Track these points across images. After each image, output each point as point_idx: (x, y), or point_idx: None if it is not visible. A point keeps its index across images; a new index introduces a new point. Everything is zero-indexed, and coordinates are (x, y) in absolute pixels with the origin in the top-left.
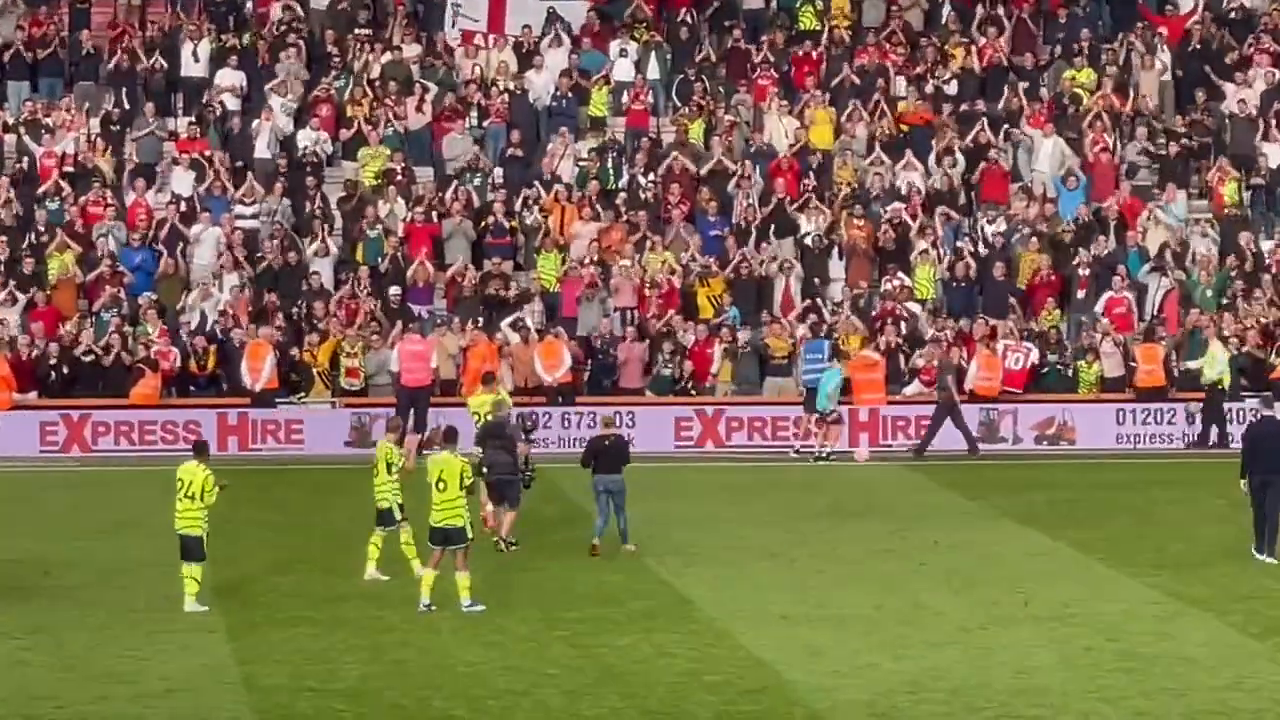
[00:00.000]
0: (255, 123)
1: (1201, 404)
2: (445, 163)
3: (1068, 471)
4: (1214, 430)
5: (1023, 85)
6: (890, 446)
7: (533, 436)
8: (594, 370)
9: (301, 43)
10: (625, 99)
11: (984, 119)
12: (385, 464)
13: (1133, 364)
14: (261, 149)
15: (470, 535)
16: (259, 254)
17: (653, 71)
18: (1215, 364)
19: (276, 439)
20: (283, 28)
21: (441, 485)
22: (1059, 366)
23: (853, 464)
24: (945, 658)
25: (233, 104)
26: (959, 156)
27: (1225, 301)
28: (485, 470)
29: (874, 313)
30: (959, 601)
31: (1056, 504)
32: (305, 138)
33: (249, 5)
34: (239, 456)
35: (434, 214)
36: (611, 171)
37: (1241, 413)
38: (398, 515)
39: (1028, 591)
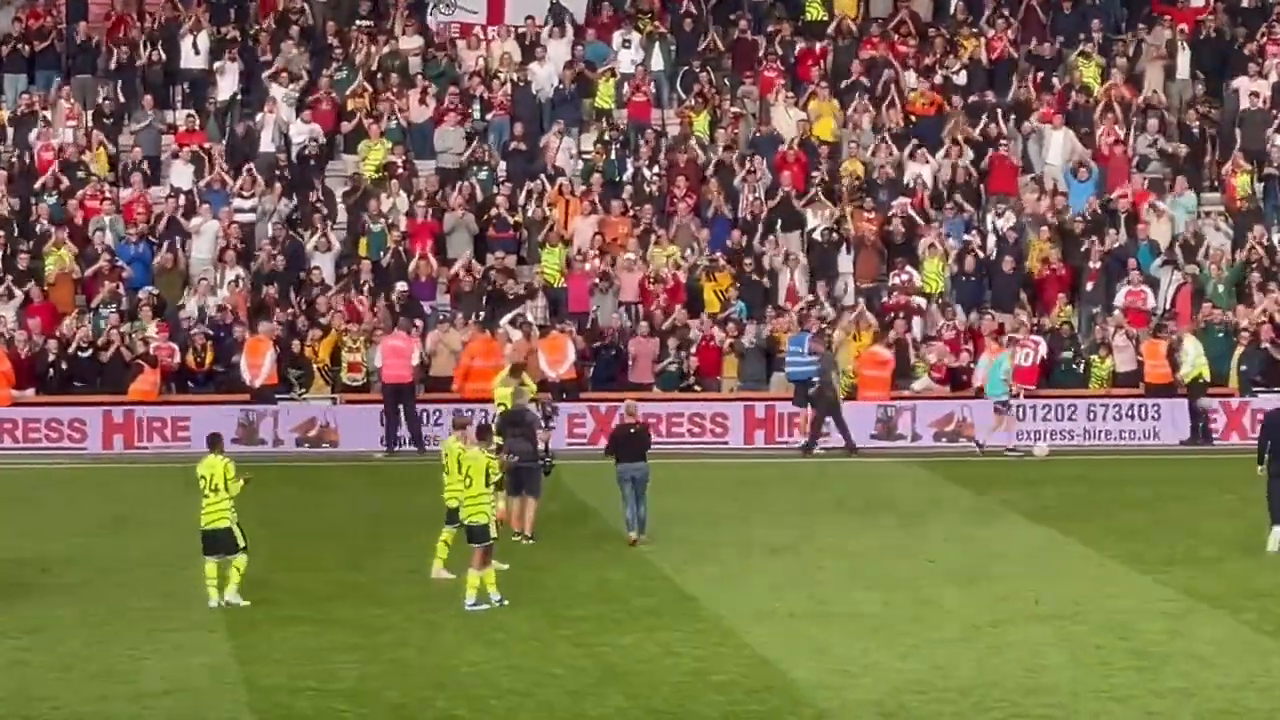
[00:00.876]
0: (259, 115)
1: (1187, 401)
2: (438, 156)
3: (1075, 467)
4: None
5: (1032, 76)
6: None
7: (552, 424)
8: (599, 366)
9: (302, 32)
10: (628, 90)
11: (994, 110)
12: (456, 462)
13: (1140, 359)
14: (266, 142)
15: (494, 535)
16: (258, 249)
17: (657, 62)
18: (1188, 360)
19: (163, 436)
20: (283, 18)
21: (467, 481)
22: (1072, 362)
23: (859, 460)
24: (954, 656)
25: (228, 93)
26: (968, 149)
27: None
28: (507, 456)
29: (883, 306)
30: (967, 598)
31: (1065, 500)
32: (299, 131)
33: None
34: (126, 455)
35: (435, 208)
36: (615, 164)
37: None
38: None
39: (1037, 589)
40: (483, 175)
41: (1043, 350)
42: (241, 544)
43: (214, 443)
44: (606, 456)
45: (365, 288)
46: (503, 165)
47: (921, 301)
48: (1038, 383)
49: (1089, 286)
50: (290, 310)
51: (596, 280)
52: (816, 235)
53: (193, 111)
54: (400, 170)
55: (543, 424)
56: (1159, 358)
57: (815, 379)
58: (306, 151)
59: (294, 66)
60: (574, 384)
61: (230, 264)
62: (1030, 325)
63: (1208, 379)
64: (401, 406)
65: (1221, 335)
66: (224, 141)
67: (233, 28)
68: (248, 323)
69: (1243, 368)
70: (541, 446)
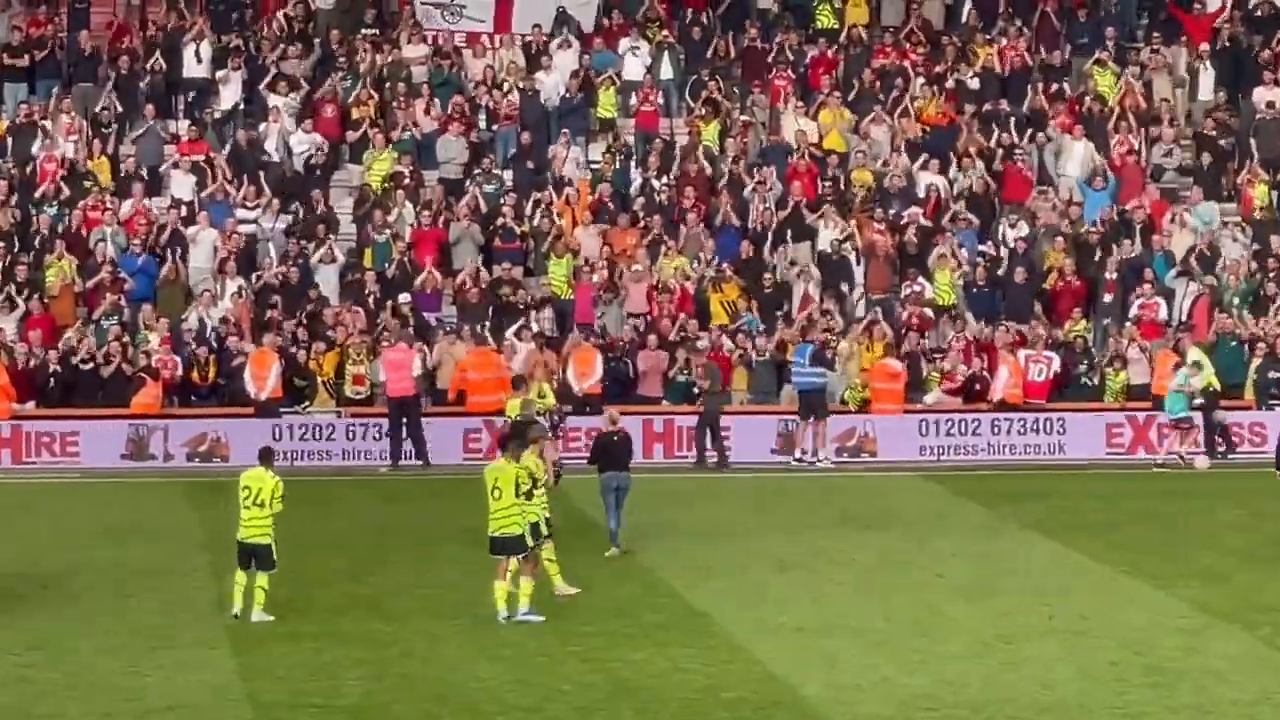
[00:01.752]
0: (263, 125)
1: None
2: (441, 166)
3: (1084, 480)
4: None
5: (1047, 85)
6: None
7: (559, 431)
8: (607, 378)
9: (305, 40)
10: (635, 99)
11: (1007, 119)
12: (531, 478)
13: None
14: (269, 152)
15: (530, 543)
16: (261, 260)
17: (665, 71)
18: (1202, 371)
19: (52, 452)
20: (287, 26)
21: (496, 494)
22: (1086, 376)
23: (869, 474)
24: (964, 671)
25: (230, 102)
26: (980, 159)
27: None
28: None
29: (896, 318)
30: (977, 613)
31: (1075, 513)
32: (300, 142)
33: (251, 5)
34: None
35: (441, 218)
36: (622, 174)
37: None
38: (544, 529)
39: (1048, 603)
40: (489, 188)
41: (1055, 365)
42: (274, 562)
43: (265, 457)
44: (591, 464)
45: (370, 299)
46: (509, 175)
47: (929, 313)
48: (1050, 397)
49: (1105, 298)
50: (294, 322)
51: (601, 292)
52: (827, 246)
53: (195, 121)
54: (407, 180)
55: (550, 435)
56: (1167, 368)
57: (815, 390)
58: (312, 161)
59: (295, 75)
60: (597, 398)
61: (231, 275)
62: (1046, 338)
63: (1218, 388)
64: (406, 419)
65: (1234, 346)
66: (226, 151)
67: (235, 36)
68: (251, 335)
69: (1254, 378)
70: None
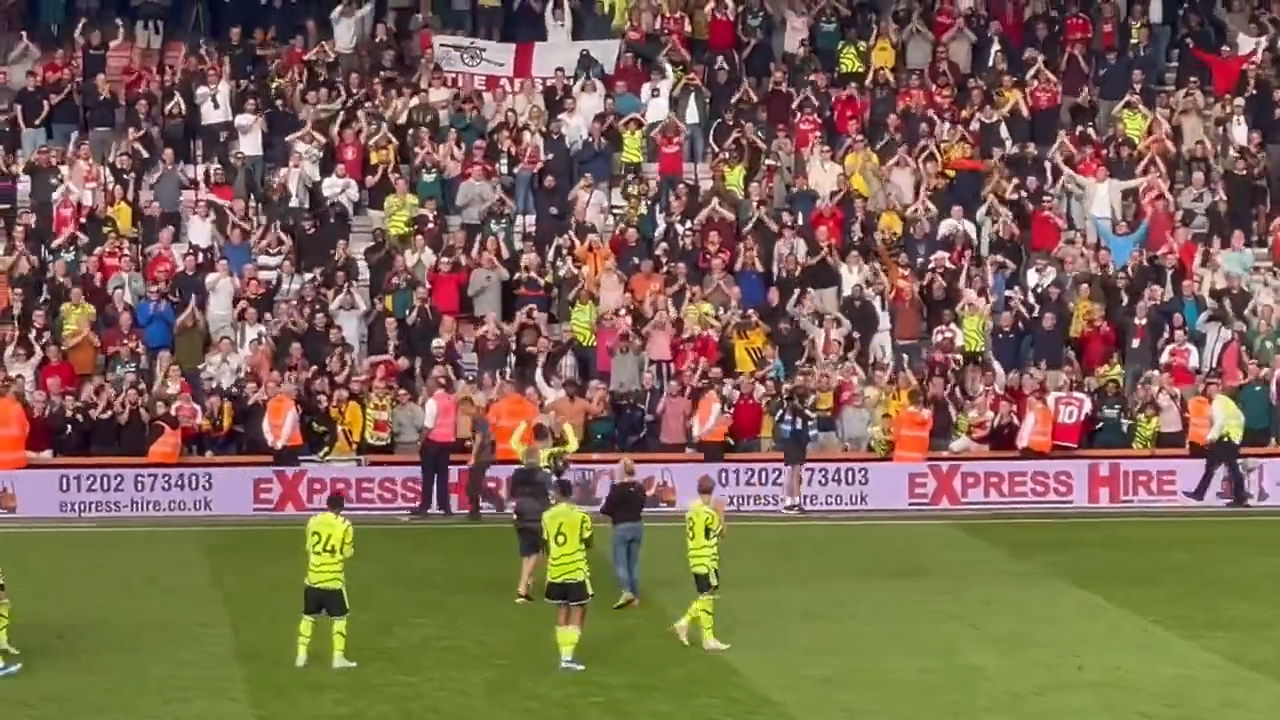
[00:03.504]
0: (284, 171)
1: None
2: (462, 211)
3: (1116, 529)
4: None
5: (1075, 129)
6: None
7: (565, 477)
8: (623, 425)
9: (326, 88)
10: (659, 142)
11: (1035, 163)
12: (704, 528)
13: (1186, 417)
14: (291, 198)
15: (590, 591)
16: (282, 306)
17: (691, 115)
18: (1216, 421)
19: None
20: (307, 72)
21: (561, 539)
22: (1119, 420)
23: (895, 522)
24: None
25: (252, 149)
26: (1006, 204)
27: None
28: (515, 517)
29: (923, 364)
30: (1009, 664)
31: (1107, 563)
32: (331, 186)
33: (271, 50)
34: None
35: (461, 262)
36: (647, 219)
37: None
38: (713, 581)
39: (1080, 654)
40: (507, 232)
41: (1086, 407)
42: (347, 607)
43: (335, 503)
44: (605, 514)
45: (390, 346)
46: (531, 220)
47: (959, 360)
48: (1080, 442)
49: (1134, 344)
50: (314, 369)
51: (619, 338)
52: (851, 292)
53: (218, 165)
54: (431, 225)
55: (554, 481)
56: (1204, 417)
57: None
58: (337, 208)
59: (317, 121)
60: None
61: (250, 322)
62: (1072, 383)
63: (1235, 440)
64: (437, 467)
65: (1259, 390)
66: (249, 197)
67: (251, 81)
68: (266, 383)
69: None
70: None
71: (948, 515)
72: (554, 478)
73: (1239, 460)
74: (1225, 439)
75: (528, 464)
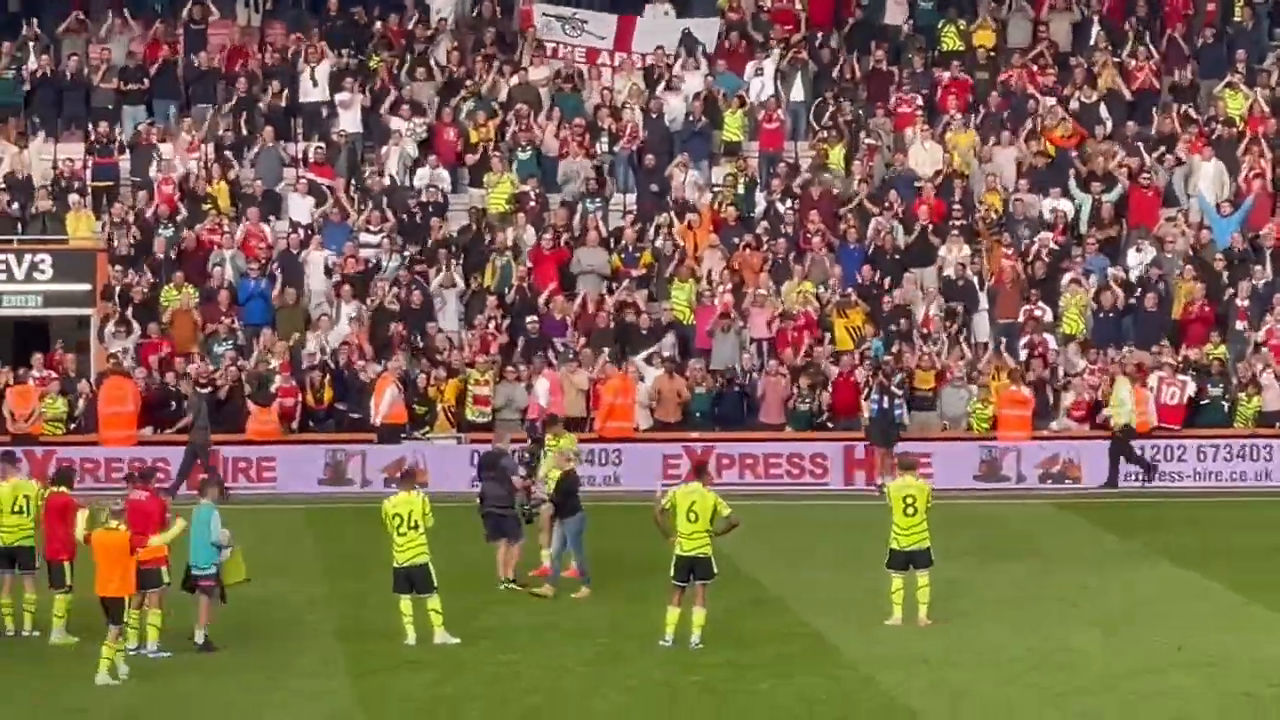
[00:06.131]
0: (384, 149)
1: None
2: (563, 189)
3: (1220, 510)
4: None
5: (1176, 108)
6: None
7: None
8: (724, 405)
9: (427, 66)
10: (760, 120)
11: (1135, 142)
12: (925, 504)
13: None
14: (390, 176)
15: (715, 570)
16: (381, 284)
17: (796, 93)
18: (1122, 407)
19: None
20: (409, 49)
21: (693, 517)
22: (1222, 400)
23: (993, 502)
24: (1098, 706)
25: (353, 127)
26: (1107, 183)
27: None
28: (478, 502)
29: (1022, 345)
30: (1110, 645)
31: (1208, 542)
32: (421, 178)
33: (375, 26)
34: None
35: (563, 240)
36: (745, 197)
37: None
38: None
39: (1181, 634)
40: (605, 208)
41: (1190, 388)
42: (435, 583)
43: (407, 480)
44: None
45: (491, 323)
46: (630, 199)
47: (1050, 339)
48: (1184, 422)
49: (1237, 325)
50: (413, 347)
51: (719, 317)
52: (952, 272)
53: (320, 143)
54: (532, 203)
55: (521, 473)
56: None
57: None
58: (431, 191)
59: (418, 99)
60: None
61: (346, 299)
62: (1176, 364)
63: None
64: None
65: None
66: (349, 175)
67: (350, 59)
68: (369, 360)
69: None
70: (522, 492)
71: (1047, 495)
72: (521, 467)
73: None
74: (1127, 425)
75: (494, 448)
